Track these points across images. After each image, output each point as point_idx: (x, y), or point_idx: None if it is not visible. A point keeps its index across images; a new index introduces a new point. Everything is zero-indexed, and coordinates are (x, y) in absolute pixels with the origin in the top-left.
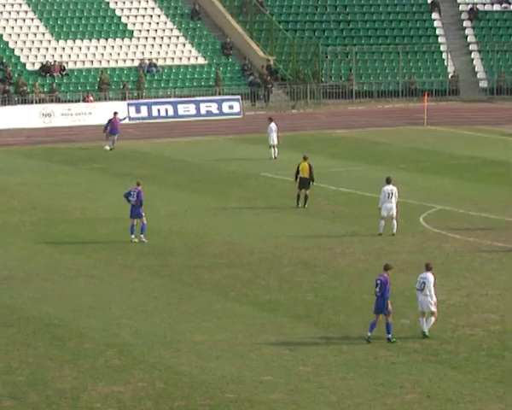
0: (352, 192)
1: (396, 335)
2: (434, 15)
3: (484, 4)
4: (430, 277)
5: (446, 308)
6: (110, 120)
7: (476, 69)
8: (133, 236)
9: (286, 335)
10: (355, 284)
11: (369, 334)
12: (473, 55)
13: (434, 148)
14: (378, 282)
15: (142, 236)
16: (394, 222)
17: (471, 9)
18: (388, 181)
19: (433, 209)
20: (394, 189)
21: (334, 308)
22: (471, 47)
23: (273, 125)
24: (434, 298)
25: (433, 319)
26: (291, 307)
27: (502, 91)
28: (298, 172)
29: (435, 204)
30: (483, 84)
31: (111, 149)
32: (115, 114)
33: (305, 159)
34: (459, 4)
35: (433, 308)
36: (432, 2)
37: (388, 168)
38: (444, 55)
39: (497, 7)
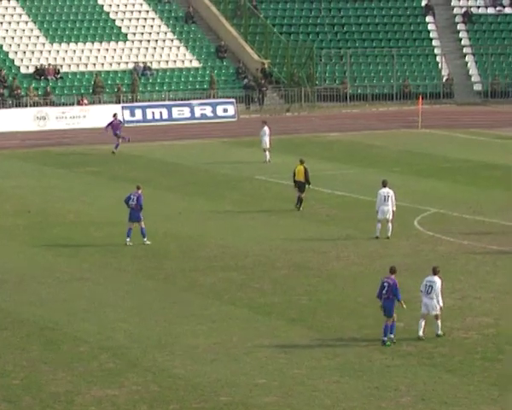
0: (347, 195)
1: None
2: (428, 19)
3: (478, 7)
4: (437, 280)
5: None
6: (111, 123)
7: (470, 72)
8: (128, 239)
9: (280, 338)
10: (349, 287)
11: (385, 338)
12: (467, 59)
13: (429, 151)
14: (386, 285)
15: (145, 239)
16: (389, 225)
17: (465, 12)
18: (384, 184)
19: (427, 212)
20: (390, 192)
21: (328, 311)
22: (465, 50)
23: (266, 129)
24: (441, 302)
25: (439, 322)
26: (285, 311)
27: (496, 94)
28: (294, 175)
29: (430, 207)
30: (477, 87)
31: (112, 153)
32: (115, 115)
33: (301, 162)
34: (453, 7)
35: (439, 311)
36: (426, 6)
37: (382, 171)
38: (438, 59)
39: (491, 10)
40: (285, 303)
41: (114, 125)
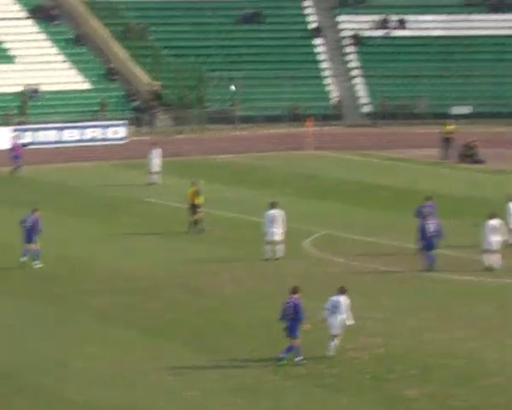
0: (238, 216)
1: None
2: (317, 41)
3: (367, 30)
4: (343, 300)
5: None
6: (13, 146)
7: (359, 94)
8: (25, 258)
9: (172, 360)
10: (242, 308)
11: (284, 355)
12: (356, 81)
13: (319, 172)
14: (289, 305)
15: (36, 262)
16: (279, 247)
17: (354, 35)
18: (273, 206)
19: (317, 234)
20: (280, 213)
21: (221, 333)
22: (354, 72)
23: (155, 151)
24: (350, 321)
25: (337, 342)
26: (177, 333)
27: (385, 116)
28: (187, 197)
29: (320, 228)
30: (366, 108)
31: (10, 173)
32: (14, 138)
33: (193, 185)
34: (342, 30)
35: (341, 331)
36: (314, 28)
37: (273, 192)
38: (327, 81)
39: (379, 32)
40: (177, 325)
41: (16, 149)
